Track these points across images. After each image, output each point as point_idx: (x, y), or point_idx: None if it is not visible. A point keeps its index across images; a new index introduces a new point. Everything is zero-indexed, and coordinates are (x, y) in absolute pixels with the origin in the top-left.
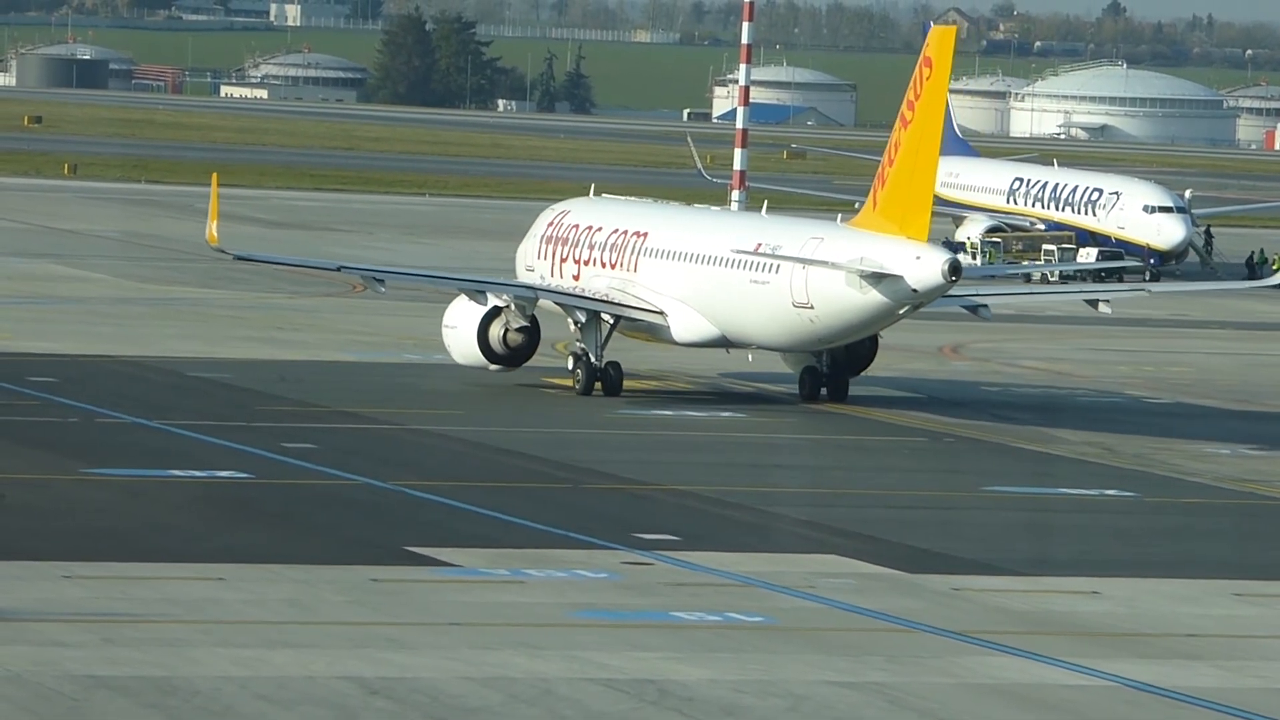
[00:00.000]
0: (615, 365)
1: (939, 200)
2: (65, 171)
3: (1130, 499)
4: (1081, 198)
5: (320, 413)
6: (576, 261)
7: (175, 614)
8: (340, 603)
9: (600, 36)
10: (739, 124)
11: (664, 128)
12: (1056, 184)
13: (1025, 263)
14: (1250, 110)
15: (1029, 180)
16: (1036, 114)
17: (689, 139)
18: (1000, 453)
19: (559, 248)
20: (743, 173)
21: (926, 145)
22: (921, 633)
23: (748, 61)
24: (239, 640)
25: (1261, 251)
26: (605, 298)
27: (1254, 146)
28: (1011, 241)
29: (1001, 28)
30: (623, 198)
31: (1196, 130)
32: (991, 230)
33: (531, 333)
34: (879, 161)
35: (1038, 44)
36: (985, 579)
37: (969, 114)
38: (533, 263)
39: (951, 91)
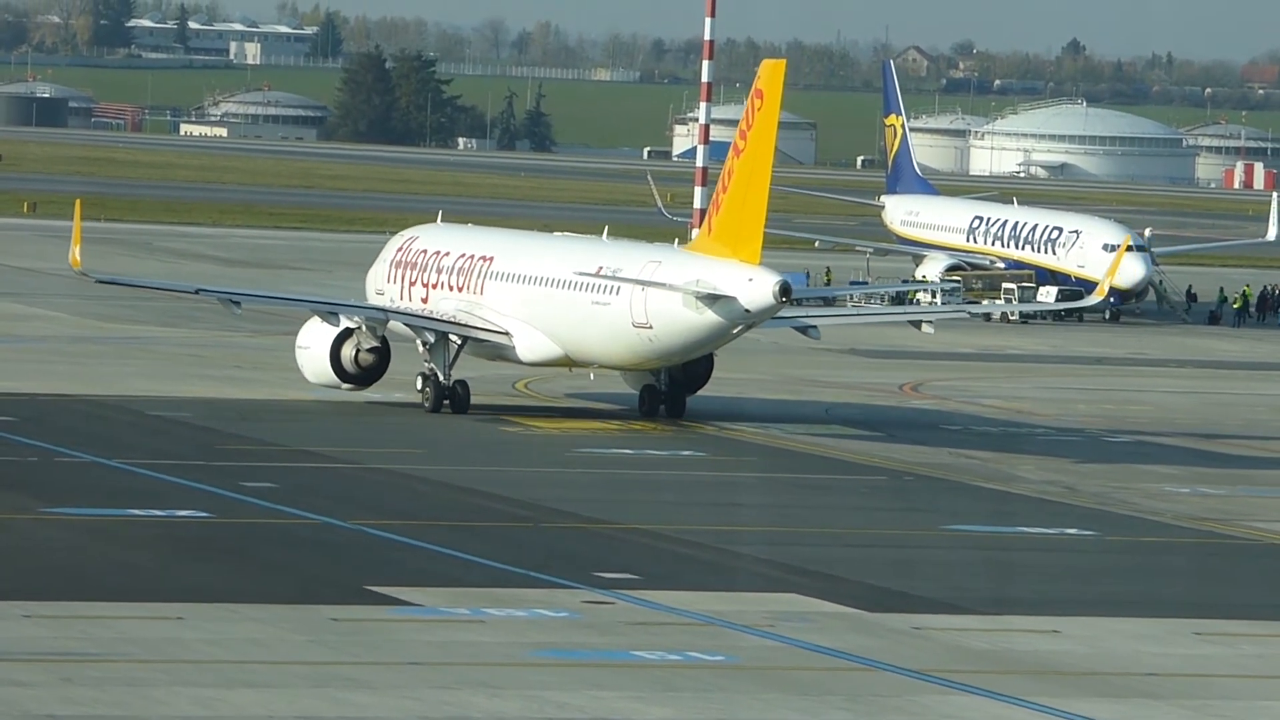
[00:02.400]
0: (463, 384)
1: (899, 239)
2: (24, 210)
3: (1090, 538)
4: (1041, 236)
5: (280, 452)
6: (425, 285)
7: (135, 653)
8: (300, 642)
9: (560, 75)
10: (699, 162)
11: (624, 166)
12: (1016, 222)
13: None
14: (1209, 149)
15: (989, 219)
16: (996, 152)
17: (649, 177)
18: (960, 491)
19: (408, 272)
20: (703, 211)
21: (758, 173)
22: (882, 672)
23: (708, 100)
24: (199, 679)
25: (1221, 290)
26: (453, 319)
27: (1213, 185)
28: (971, 280)
29: (961, 66)
30: (468, 225)
31: (1156, 169)
32: (951, 269)
33: (382, 353)
34: (840, 199)
35: (997, 82)
36: (945, 618)
37: (928, 152)
38: (383, 286)
39: (911, 129)
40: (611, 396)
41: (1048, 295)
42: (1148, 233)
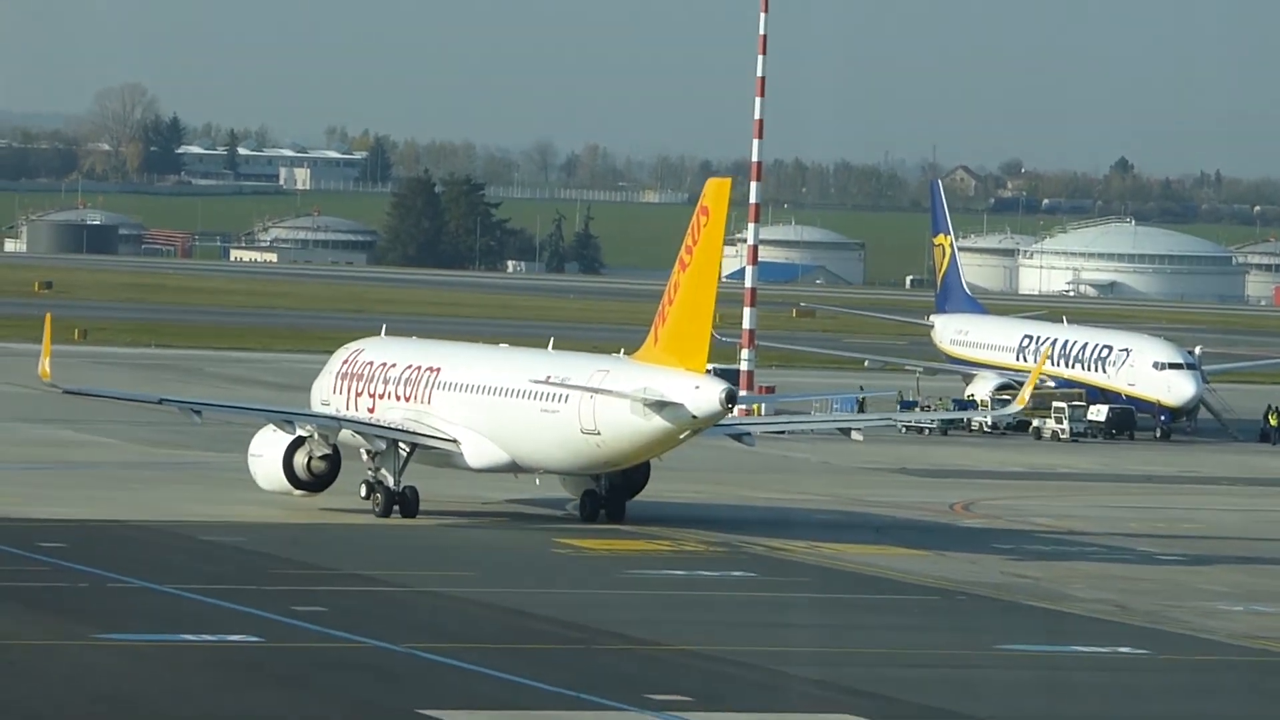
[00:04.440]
0: (412, 489)
1: (949, 358)
2: (75, 336)
3: (1143, 656)
4: (1091, 355)
5: (331, 575)
6: (371, 395)
7: None
8: None
9: (608, 197)
10: (748, 283)
11: None
12: (1066, 341)
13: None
14: (1259, 266)
15: (1038, 337)
16: (1045, 271)
17: None
18: (1012, 610)
19: (354, 383)
20: (752, 331)
21: (704, 286)
22: None
23: (756, 221)
24: None
25: (1270, 407)
26: (401, 428)
27: (1263, 303)
28: None
29: (1009, 185)
30: (412, 338)
31: (1206, 286)
32: (1001, 388)
33: (334, 460)
34: (889, 319)
35: (1046, 201)
36: None
37: (978, 271)
38: (328, 397)
39: (960, 249)
40: (553, 501)
41: (1098, 414)
42: (1198, 350)
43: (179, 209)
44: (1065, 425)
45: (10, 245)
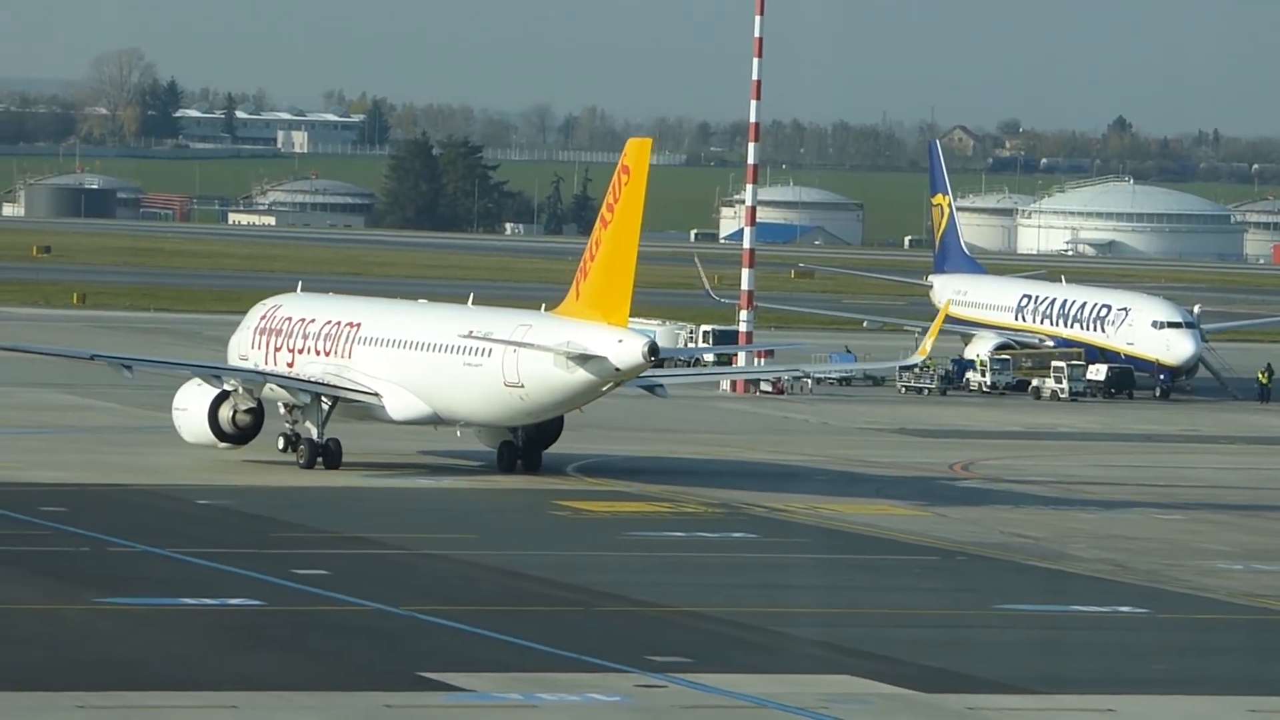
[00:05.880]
0: (335, 441)
1: (948, 318)
2: (74, 301)
3: (1143, 615)
4: (1090, 314)
5: (332, 538)
6: (291, 350)
7: None
8: None
9: (606, 159)
10: (746, 244)
11: (671, 248)
12: (1065, 300)
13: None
14: (1257, 225)
15: (1037, 297)
16: (1044, 230)
17: (696, 259)
18: (1012, 570)
19: (273, 338)
20: (750, 292)
21: (625, 243)
22: None
23: (754, 182)
24: None
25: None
26: (322, 382)
27: (1261, 261)
28: (1021, 358)
29: (1008, 145)
30: (329, 294)
31: (1204, 245)
32: (1000, 348)
33: (258, 414)
34: (888, 279)
35: (1044, 161)
36: (1000, 698)
37: (976, 231)
38: (246, 352)
39: (958, 209)
40: (469, 453)
41: (1097, 373)
42: (1196, 309)
43: (177, 173)
44: (1064, 385)
45: (8, 209)
